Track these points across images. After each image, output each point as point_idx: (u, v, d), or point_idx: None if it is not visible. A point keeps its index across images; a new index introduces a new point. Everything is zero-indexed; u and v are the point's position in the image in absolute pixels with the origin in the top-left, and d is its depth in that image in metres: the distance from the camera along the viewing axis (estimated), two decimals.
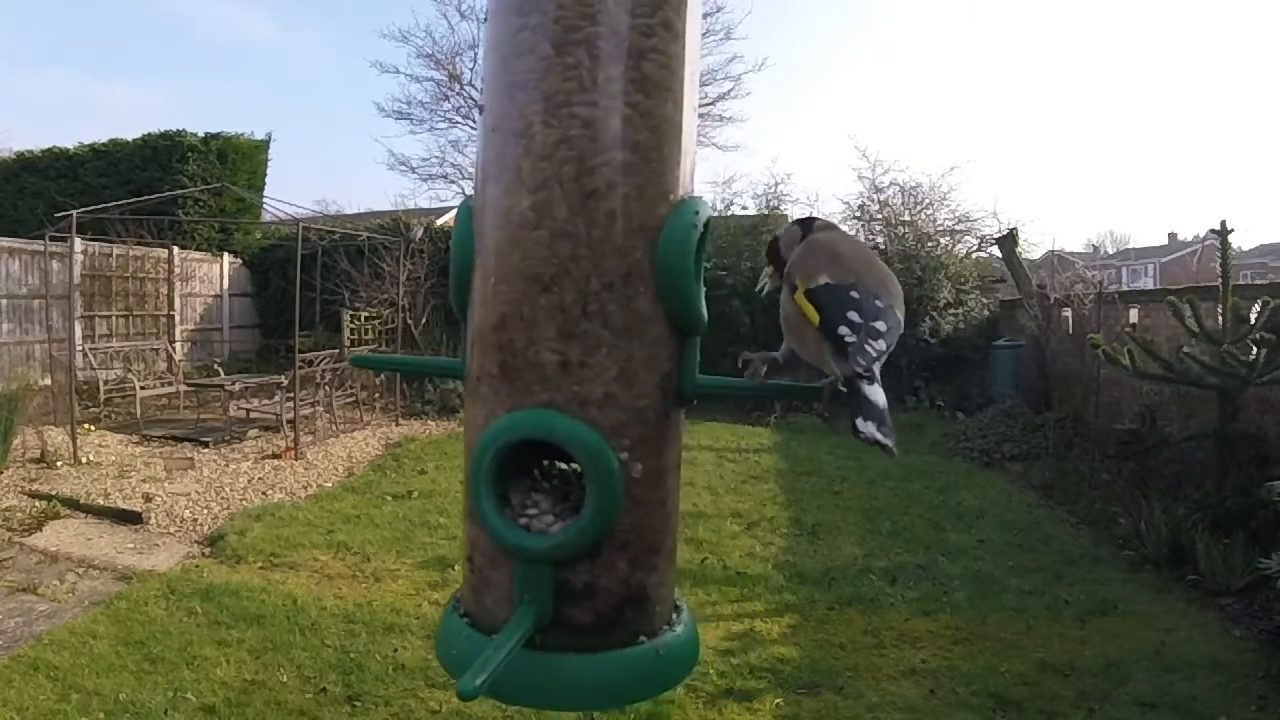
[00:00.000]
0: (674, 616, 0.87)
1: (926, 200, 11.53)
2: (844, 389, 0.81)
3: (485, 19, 0.89)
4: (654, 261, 0.79)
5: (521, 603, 0.79)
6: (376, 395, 9.27)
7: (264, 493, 5.82)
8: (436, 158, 14.95)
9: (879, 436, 0.77)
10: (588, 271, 0.78)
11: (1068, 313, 8.02)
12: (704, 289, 0.87)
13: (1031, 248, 12.18)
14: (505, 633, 0.76)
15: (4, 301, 9.03)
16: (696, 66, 0.85)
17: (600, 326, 0.78)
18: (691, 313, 0.82)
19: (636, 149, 0.78)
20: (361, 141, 71.67)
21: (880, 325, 0.83)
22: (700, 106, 1.03)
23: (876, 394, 0.80)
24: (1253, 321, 4.51)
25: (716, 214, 10.20)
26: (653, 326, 0.80)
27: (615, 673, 0.80)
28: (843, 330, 0.82)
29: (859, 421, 0.77)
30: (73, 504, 5.34)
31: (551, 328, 0.78)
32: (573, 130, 0.77)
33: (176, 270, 11.54)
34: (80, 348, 8.83)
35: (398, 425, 8.63)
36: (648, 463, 0.80)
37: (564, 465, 0.86)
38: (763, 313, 10.49)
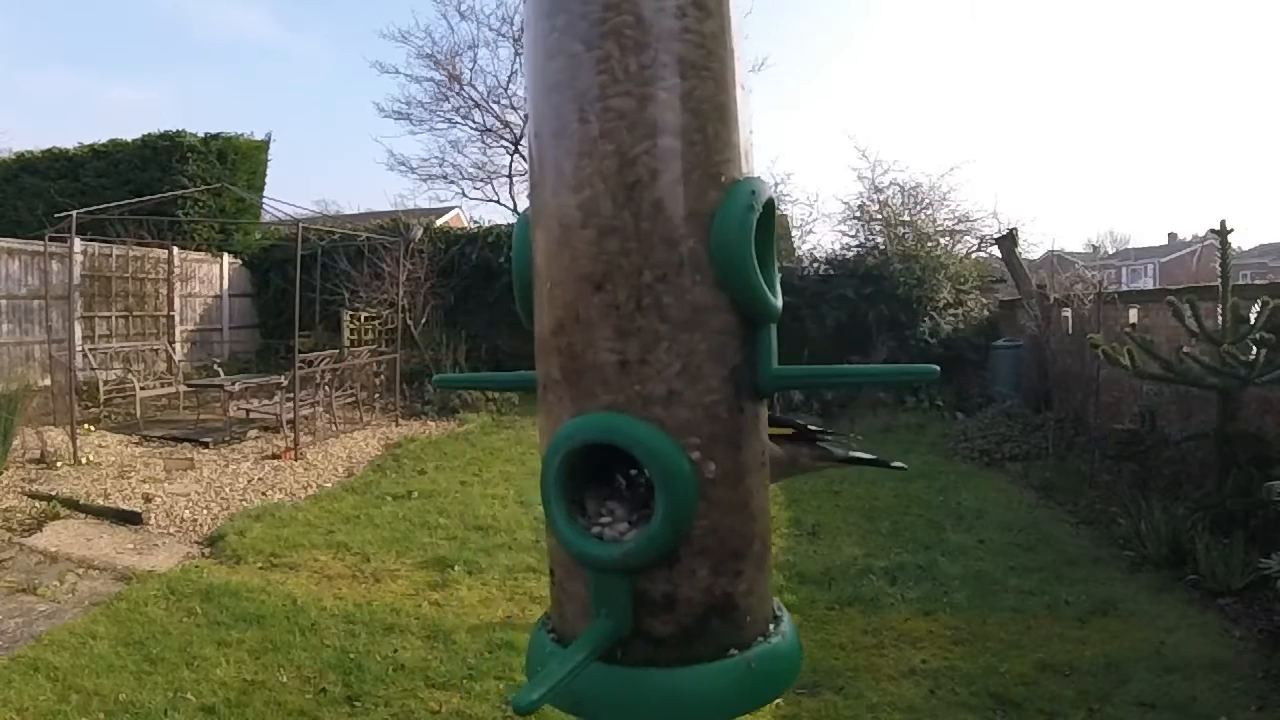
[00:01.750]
0: (770, 627, 0.82)
1: (926, 200, 11.51)
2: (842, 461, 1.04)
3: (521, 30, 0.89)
4: (709, 248, 0.76)
5: (599, 615, 0.76)
6: (376, 395, 9.28)
7: (264, 493, 5.82)
8: (436, 158, 14.97)
9: (900, 464, 1.12)
10: (639, 265, 0.75)
11: (1068, 313, 8.01)
12: (778, 274, 0.84)
13: (1031, 248, 12.20)
14: (574, 647, 0.74)
15: (4, 302, 9.03)
16: (740, 43, 0.82)
17: (657, 321, 0.75)
18: (757, 299, 0.78)
19: (677, 134, 0.76)
20: (361, 141, 71.88)
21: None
22: None
23: (862, 453, 1.09)
24: (1253, 321, 4.51)
25: None
26: (715, 317, 0.77)
27: (701, 688, 0.76)
28: (813, 427, 1.03)
29: (895, 464, 1.13)
30: (73, 504, 5.34)
31: (607, 327, 0.75)
32: (609, 123, 0.75)
33: (176, 270, 11.54)
34: (80, 348, 8.83)
35: (397, 425, 8.63)
36: (722, 462, 0.77)
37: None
38: None
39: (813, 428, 1.03)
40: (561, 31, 0.78)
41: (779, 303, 0.81)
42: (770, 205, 0.80)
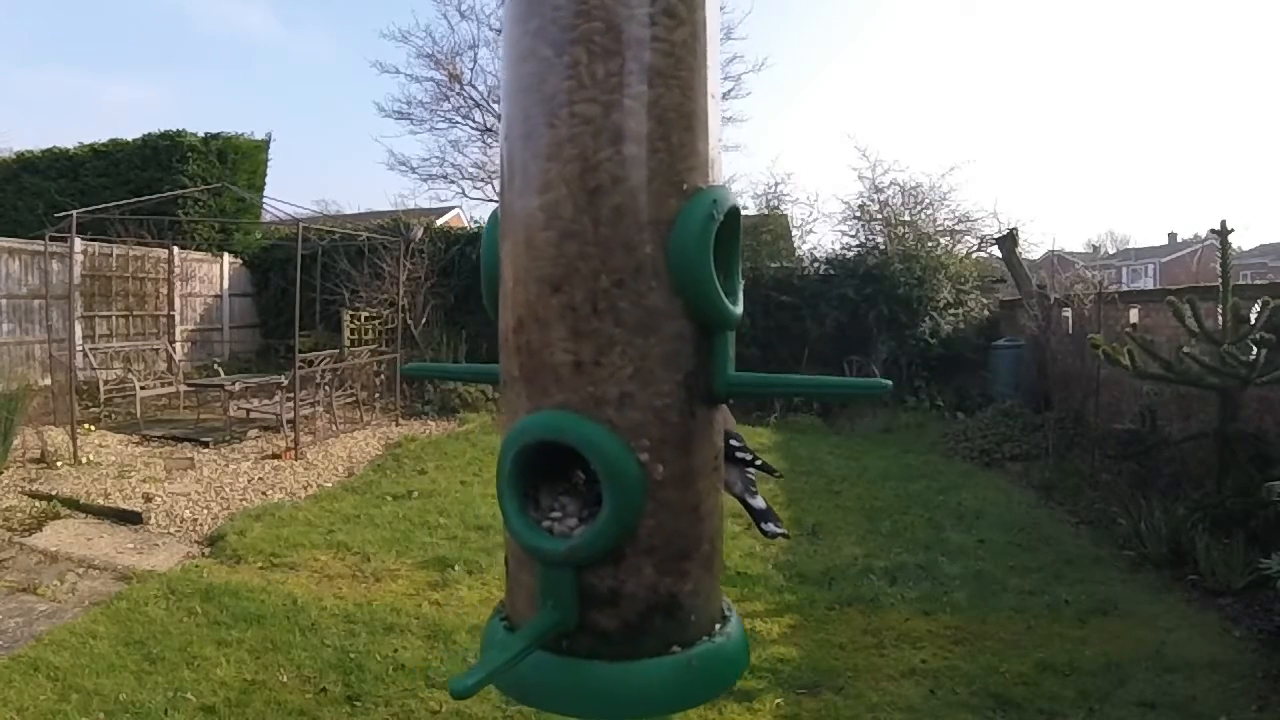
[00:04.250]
0: (716, 627, 0.84)
1: (926, 200, 11.51)
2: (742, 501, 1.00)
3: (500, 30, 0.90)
4: (667, 255, 0.77)
5: (544, 606, 0.78)
6: (376, 395, 9.28)
7: (264, 493, 5.82)
8: (436, 158, 14.98)
9: (780, 531, 1.03)
10: (596, 269, 0.76)
11: (1068, 313, 8.01)
12: (741, 282, 0.85)
13: (1031, 248, 12.19)
14: (517, 635, 0.75)
15: (4, 301, 9.03)
16: (713, 52, 0.82)
17: (612, 325, 0.76)
18: (712, 307, 0.79)
19: (641, 142, 0.76)
20: (361, 141, 71.83)
21: (747, 455, 1.02)
22: None
23: (759, 500, 1.03)
24: (1253, 321, 4.52)
25: None
26: (670, 323, 0.78)
27: (641, 682, 0.77)
28: (742, 454, 1.00)
29: (766, 526, 1.01)
30: (73, 504, 5.34)
31: (563, 328, 0.77)
32: (575, 128, 0.76)
33: (176, 270, 11.54)
34: (80, 348, 8.83)
35: (398, 425, 8.63)
36: (671, 464, 0.78)
37: None
38: (764, 314, 10.48)
39: (741, 454, 1.04)
40: (534, 35, 0.78)
41: (739, 310, 0.83)
42: (735, 214, 0.81)
